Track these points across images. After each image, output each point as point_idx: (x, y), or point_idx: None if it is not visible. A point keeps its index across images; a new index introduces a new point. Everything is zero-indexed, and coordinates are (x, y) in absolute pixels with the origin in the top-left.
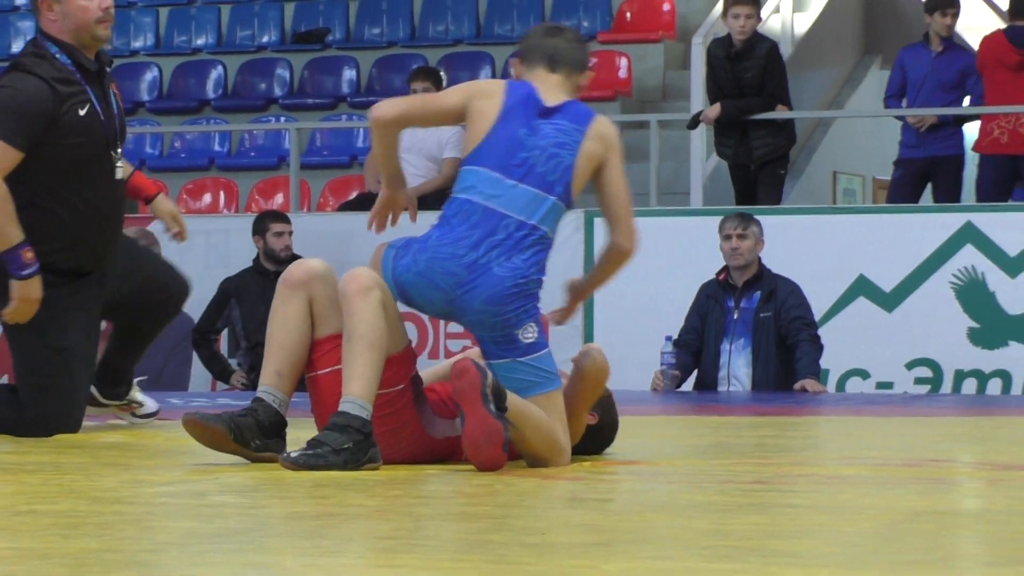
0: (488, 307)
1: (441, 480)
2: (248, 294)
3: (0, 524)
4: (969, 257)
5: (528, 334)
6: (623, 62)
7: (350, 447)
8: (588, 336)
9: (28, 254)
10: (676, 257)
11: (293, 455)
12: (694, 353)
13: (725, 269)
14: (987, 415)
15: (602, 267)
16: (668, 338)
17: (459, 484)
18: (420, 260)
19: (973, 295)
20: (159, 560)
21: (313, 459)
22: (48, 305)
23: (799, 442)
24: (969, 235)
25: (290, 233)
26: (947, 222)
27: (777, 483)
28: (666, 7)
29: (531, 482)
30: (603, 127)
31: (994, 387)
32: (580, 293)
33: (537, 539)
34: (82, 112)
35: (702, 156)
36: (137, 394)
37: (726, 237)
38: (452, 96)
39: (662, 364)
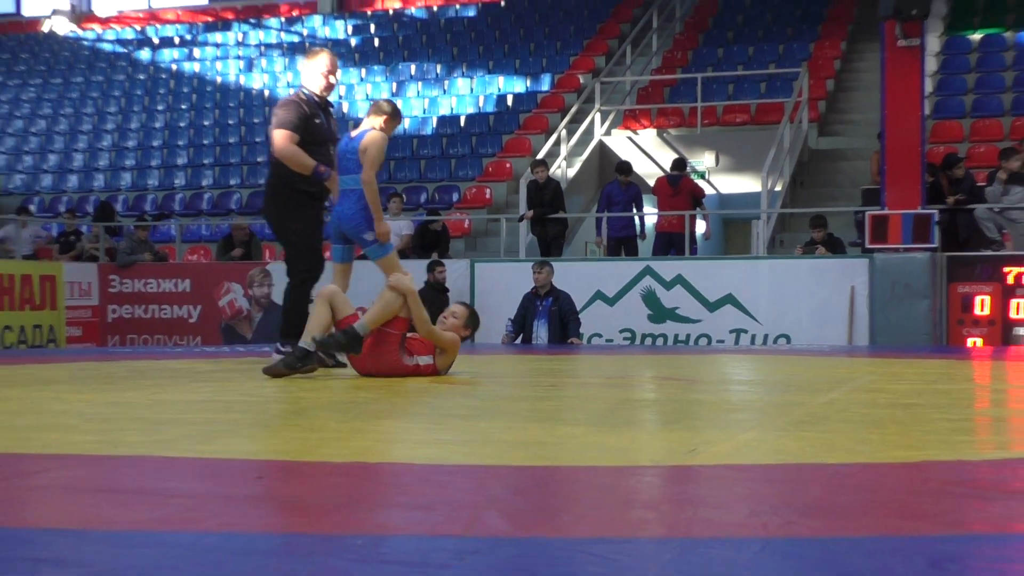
0: (346, 223)
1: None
2: None
3: (198, 405)
4: (648, 282)
5: (368, 235)
6: (488, 191)
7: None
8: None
9: (321, 168)
10: (512, 282)
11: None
12: (520, 326)
13: (535, 288)
14: (657, 355)
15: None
16: (509, 319)
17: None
18: None
19: (649, 299)
20: (273, 423)
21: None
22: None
23: (569, 367)
24: (648, 271)
25: None
26: (637, 265)
27: (559, 386)
28: (508, 165)
29: (443, 386)
30: (366, 137)
31: (660, 342)
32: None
33: (444, 412)
34: (317, 121)
35: (526, 234)
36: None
37: (535, 272)
38: None
39: (506, 331)
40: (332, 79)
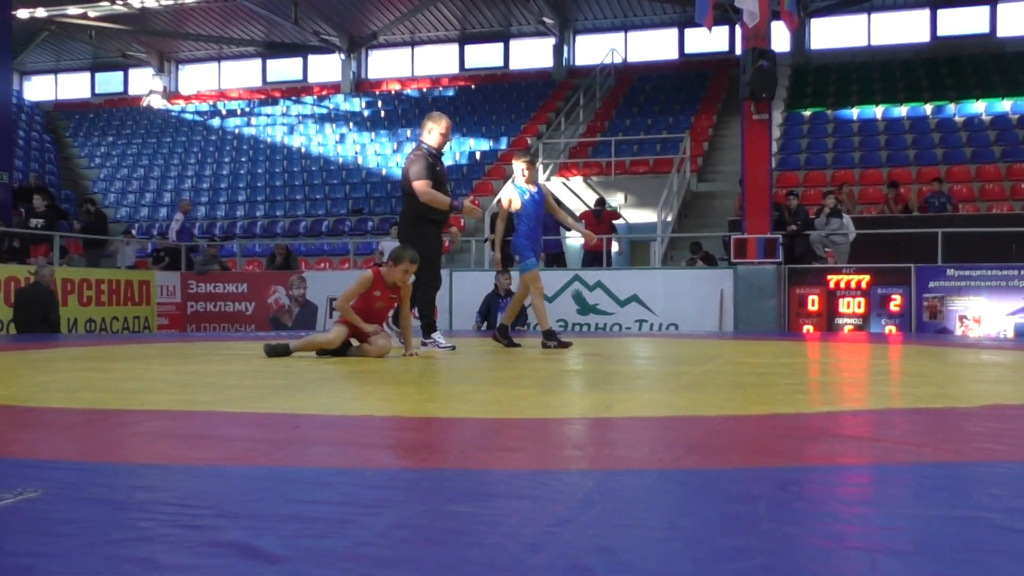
0: None
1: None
2: None
3: (243, 374)
4: (576, 285)
5: (516, 257)
6: (462, 220)
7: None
8: (452, 312)
9: (455, 202)
10: (479, 286)
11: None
12: (484, 316)
13: (496, 288)
14: (583, 338)
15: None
16: (478, 311)
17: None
18: None
19: (578, 298)
20: (308, 387)
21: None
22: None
23: (519, 347)
24: (576, 278)
25: None
26: (568, 273)
27: (513, 361)
28: (476, 202)
29: (428, 361)
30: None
31: (585, 329)
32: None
33: (429, 379)
34: (437, 168)
35: (489, 251)
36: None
37: (503, 278)
38: None
39: (476, 320)
40: (447, 137)
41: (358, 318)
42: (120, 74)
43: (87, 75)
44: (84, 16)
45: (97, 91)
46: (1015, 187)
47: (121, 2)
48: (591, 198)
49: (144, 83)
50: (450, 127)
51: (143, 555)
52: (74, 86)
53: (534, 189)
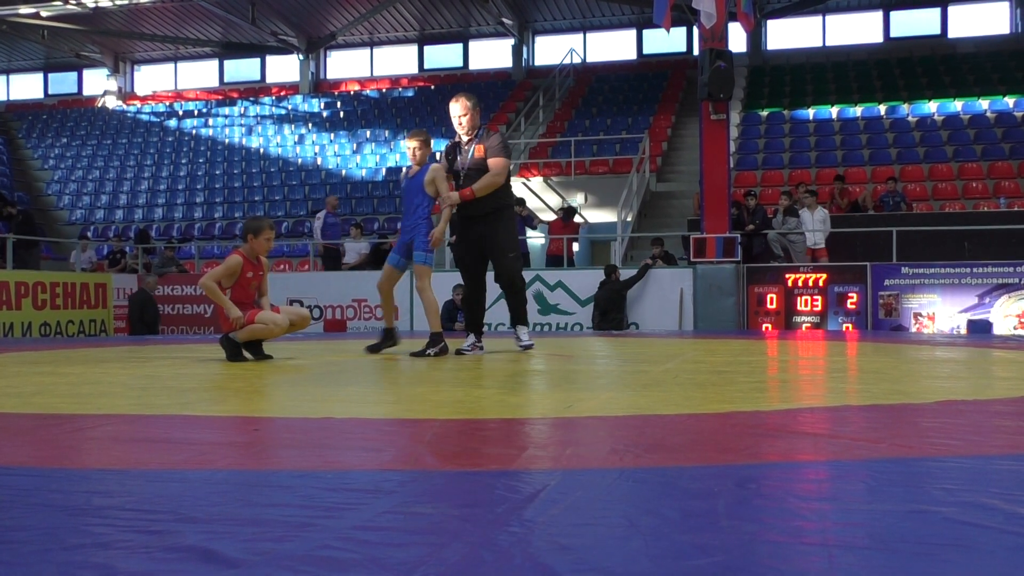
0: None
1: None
2: None
3: (189, 376)
4: (537, 285)
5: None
6: None
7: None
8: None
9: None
10: (440, 287)
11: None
12: (448, 318)
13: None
14: (544, 338)
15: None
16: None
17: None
18: None
19: (539, 297)
20: (267, 390)
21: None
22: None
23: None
24: (538, 278)
25: None
26: (530, 273)
27: (474, 360)
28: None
29: (389, 362)
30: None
31: (546, 329)
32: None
33: (390, 380)
34: (449, 158)
35: (449, 252)
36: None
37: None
38: None
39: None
40: (462, 120)
41: (224, 297)
42: (74, 74)
43: (40, 75)
44: (36, 16)
45: (50, 92)
46: (967, 186)
47: (74, 2)
48: (551, 199)
49: (99, 84)
50: (467, 106)
51: (99, 561)
52: (26, 86)
53: (416, 170)
